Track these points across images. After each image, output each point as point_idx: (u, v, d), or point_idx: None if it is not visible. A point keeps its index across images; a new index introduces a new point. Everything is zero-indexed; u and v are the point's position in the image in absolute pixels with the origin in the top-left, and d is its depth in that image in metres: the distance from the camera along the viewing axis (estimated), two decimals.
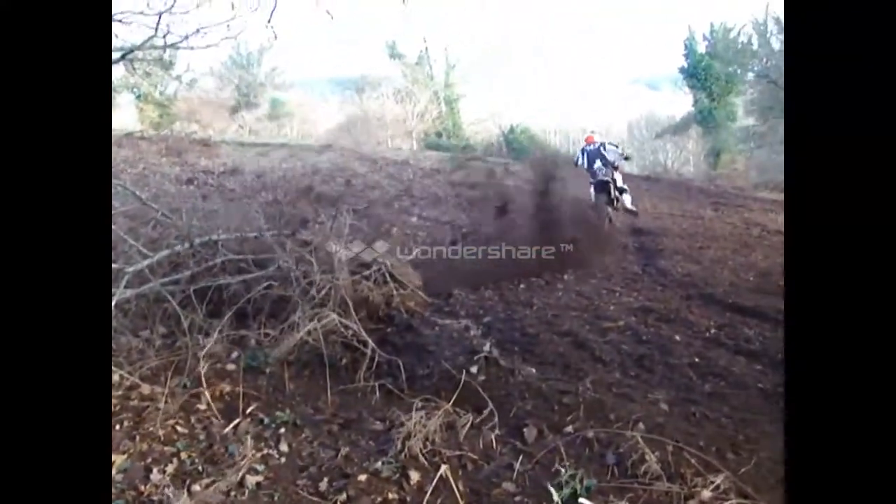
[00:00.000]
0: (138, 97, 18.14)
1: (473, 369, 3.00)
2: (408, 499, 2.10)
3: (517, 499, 2.10)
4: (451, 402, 2.64)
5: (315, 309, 3.40)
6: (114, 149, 10.37)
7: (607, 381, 3.14)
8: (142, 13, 5.96)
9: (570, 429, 2.54)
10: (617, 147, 7.89)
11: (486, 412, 2.66)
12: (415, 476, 2.19)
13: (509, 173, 11.87)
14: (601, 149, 7.67)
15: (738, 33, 16.96)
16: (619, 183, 7.75)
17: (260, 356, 3.16)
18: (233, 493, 2.09)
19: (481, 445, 2.43)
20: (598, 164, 7.62)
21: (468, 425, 2.52)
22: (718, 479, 2.04)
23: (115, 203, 3.80)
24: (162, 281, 3.53)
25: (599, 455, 2.33)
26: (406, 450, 2.31)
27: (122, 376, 2.75)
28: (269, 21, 5.74)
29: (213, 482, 2.12)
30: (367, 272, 4.09)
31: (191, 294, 3.47)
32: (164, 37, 6.20)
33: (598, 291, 5.31)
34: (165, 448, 2.34)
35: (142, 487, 2.09)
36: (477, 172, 12.53)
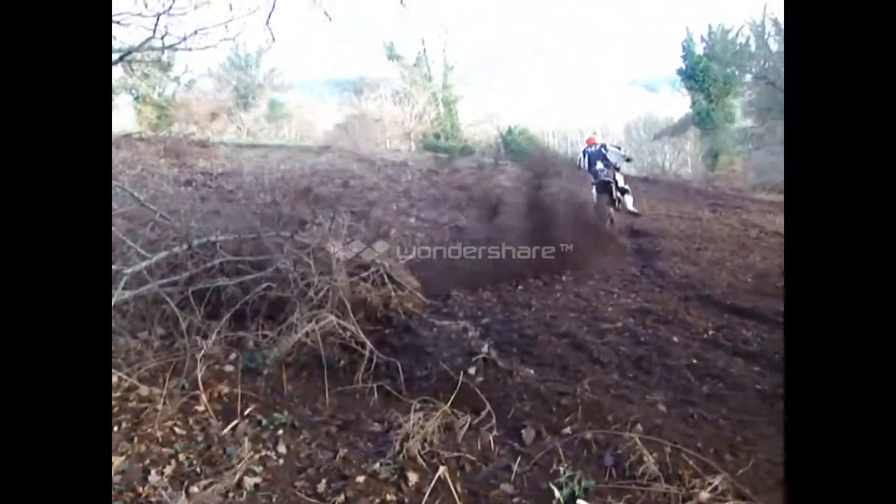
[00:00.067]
0: (136, 98, 18.09)
1: (471, 370, 3.00)
2: (406, 500, 2.10)
3: (515, 500, 2.10)
4: (450, 403, 2.64)
5: (313, 310, 3.39)
6: (112, 150, 10.34)
7: (605, 383, 3.14)
8: (140, 15, 5.97)
9: (568, 430, 2.54)
10: (619, 149, 7.92)
11: (484, 413, 2.65)
12: (413, 477, 2.19)
13: (504, 173, 11.85)
14: (602, 150, 7.69)
15: (736, 35, 16.97)
16: (621, 184, 7.78)
17: (258, 358, 3.16)
18: (231, 495, 2.09)
19: (479, 447, 2.43)
20: (599, 165, 7.64)
21: (466, 426, 2.52)
22: (716, 481, 2.04)
23: (113, 204, 3.78)
24: (160, 282, 3.52)
25: (597, 456, 2.32)
26: (404, 451, 2.31)
27: (120, 378, 2.75)
28: (267, 22, 5.76)
29: (212, 484, 2.12)
30: (365, 274, 4.08)
31: (189, 295, 3.45)
32: (163, 38, 6.22)
33: (596, 293, 5.31)
34: (164, 449, 2.34)
35: (140, 489, 2.09)
36: (473, 173, 12.54)
